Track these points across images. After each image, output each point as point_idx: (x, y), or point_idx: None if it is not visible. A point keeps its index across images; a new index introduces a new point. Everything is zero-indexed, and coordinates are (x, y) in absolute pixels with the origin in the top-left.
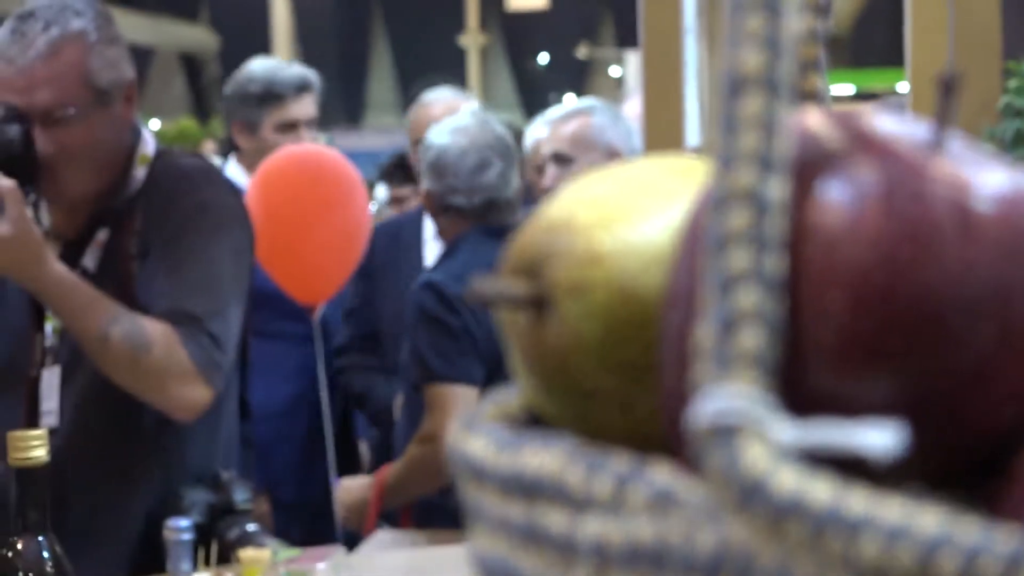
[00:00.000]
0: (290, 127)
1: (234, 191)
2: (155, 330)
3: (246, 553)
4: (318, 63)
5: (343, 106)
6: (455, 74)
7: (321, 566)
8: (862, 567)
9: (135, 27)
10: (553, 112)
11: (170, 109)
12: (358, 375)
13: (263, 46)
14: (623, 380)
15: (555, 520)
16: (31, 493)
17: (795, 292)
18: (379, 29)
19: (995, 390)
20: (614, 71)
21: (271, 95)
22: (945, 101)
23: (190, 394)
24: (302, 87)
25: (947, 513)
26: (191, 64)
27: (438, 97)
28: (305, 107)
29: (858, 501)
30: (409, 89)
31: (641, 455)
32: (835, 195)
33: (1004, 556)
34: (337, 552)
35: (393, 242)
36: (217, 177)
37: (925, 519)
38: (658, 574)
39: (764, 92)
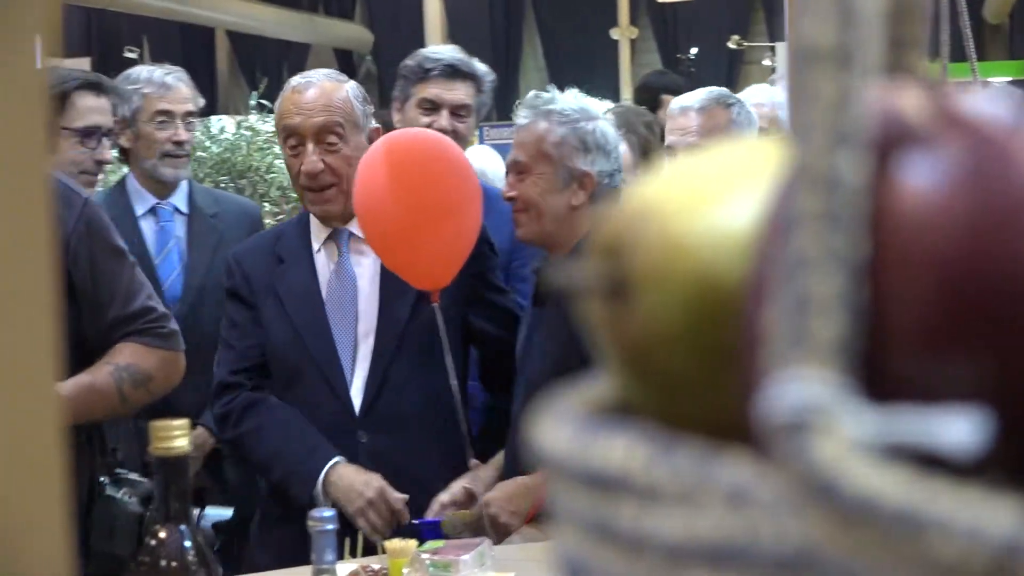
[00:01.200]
0: (432, 107)
1: (65, 197)
2: (134, 357)
3: (392, 543)
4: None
5: (495, 100)
6: (606, 66)
7: (465, 557)
8: (936, 568)
9: (291, 24)
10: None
11: None
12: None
13: (416, 41)
14: (705, 370)
15: (623, 513)
16: (173, 483)
17: (875, 274)
18: (531, 23)
19: None
20: (766, 62)
21: (420, 70)
22: None
23: (178, 369)
24: (453, 71)
25: None
26: (346, 60)
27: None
28: (453, 91)
29: (933, 499)
30: (561, 82)
31: (718, 446)
32: (921, 174)
33: None
34: (481, 544)
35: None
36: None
37: (1002, 518)
38: (724, 571)
39: (837, 65)
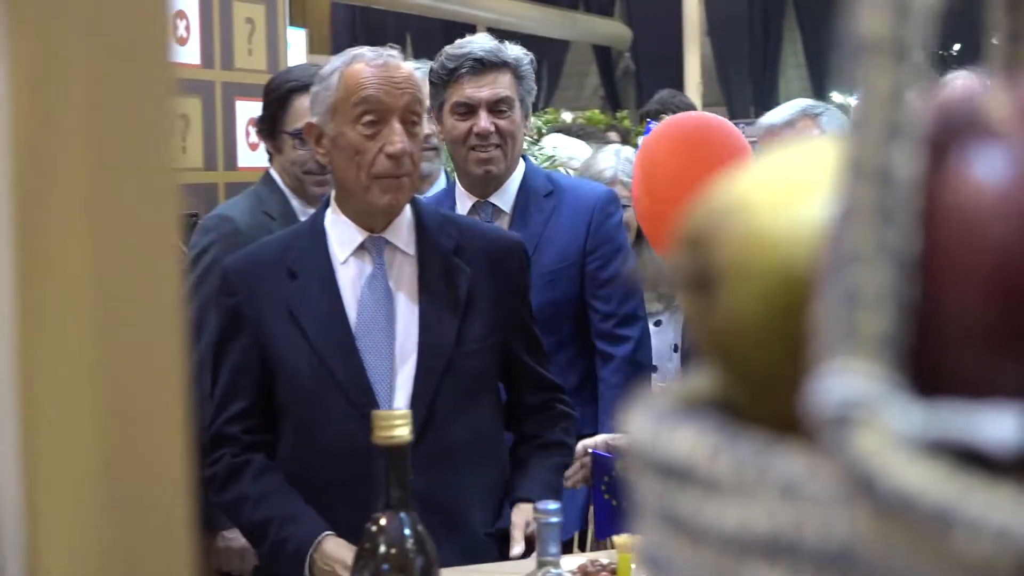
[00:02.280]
0: (467, 109)
1: None
2: None
3: (620, 538)
4: (729, 56)
5: (753, 98)
6: None
7: None
8: (965, 566)
9: (551, 21)
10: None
11: (585, 101)
12: None
13: (673, 38)
14: (785, 362)
15: (687, 502)
16: (395, 471)
17: (930, 269)
18: (791, 20)
19: None
20: None
21: (445, 72)
22: None
23: None
24: (482, 65)
25: None
26: (604, 56)
27: None
28: (485, 87)
29: (967, 497)
30: (821, 81)
31: (781, 438)
32: (981, 169)
33: None
34: None
35: None
36: None
37: None
38: (781, 562)
39: (892, 58)
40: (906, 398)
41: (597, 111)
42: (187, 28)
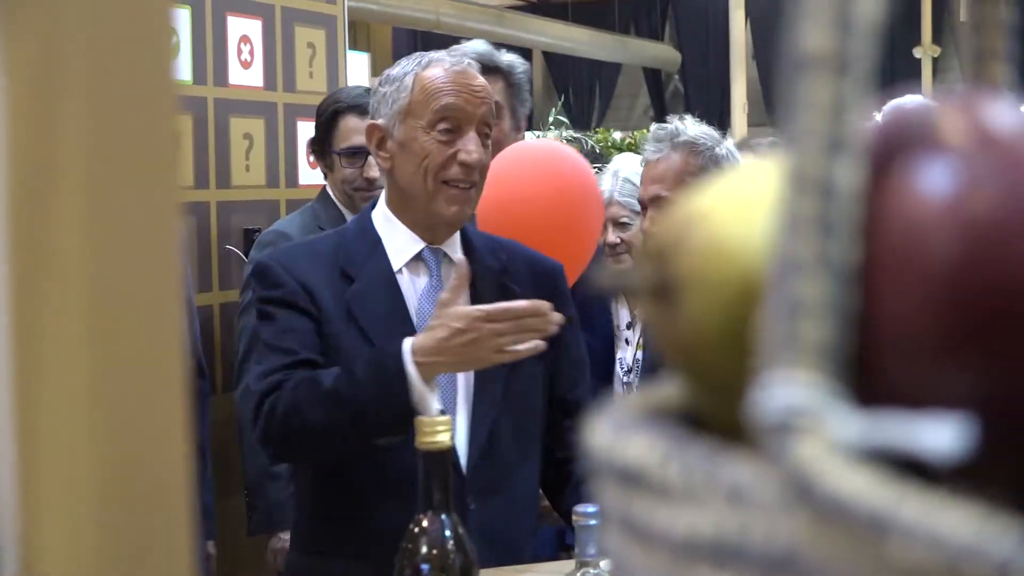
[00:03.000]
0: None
1: None
2: None
3: None
4: (775, 78)
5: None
6: (909, 85)
7: None
8: (898, 572)
9: (604, 45)
10: None
11: (635, 122)
12: None
13: (721, 60)
14: (745, 370)
15: (640, 507)
16: (436, 475)
17: (872, 280)
18: None
19: None
20: None
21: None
22: None
23: None
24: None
25: (988, 521)
26: (654, 78)
27: None
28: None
29: (901, 504)
30: None
31: (729, 445)
32: (925, 182)
33: None
34: None
35: None
36: None
37: (963, 526)
38: (727, 567)
39: (833, 73)
40: (846, 406)
41: (646, 131)
42: (251, 52)
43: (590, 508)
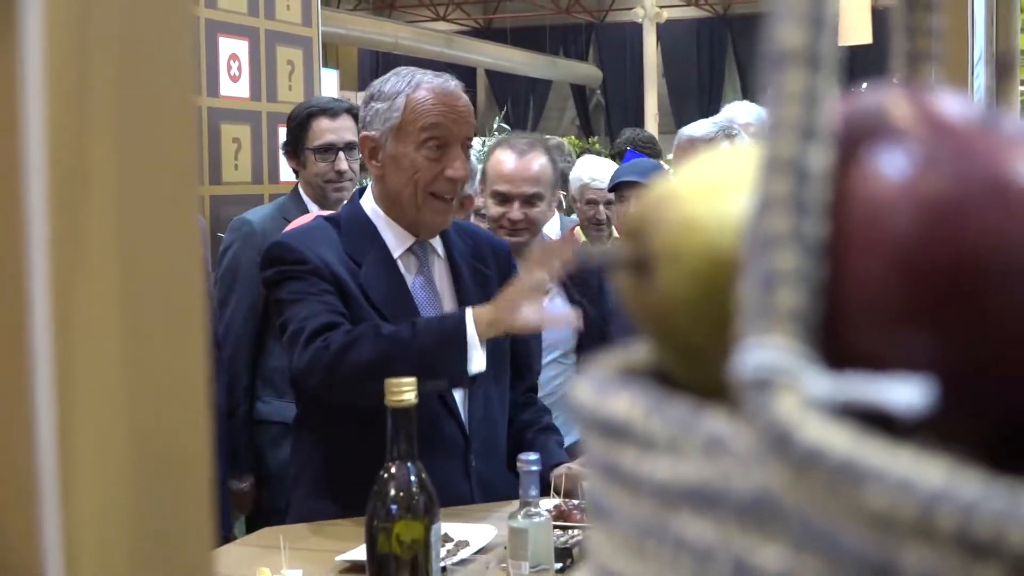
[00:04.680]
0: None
1: None
2: None
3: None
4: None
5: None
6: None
7: None
8: (871, 515)
9: (537, 64)
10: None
11: (564, 130)
12: None
13: (636, 78)
14: (711, 335)
15: (626, 457)
16: (402, 428)
17: (837, 255)
18: (731, 64)
19: None
20: None
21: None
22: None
23: None
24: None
25: (955, 469)
26: (579, 93)
27: None
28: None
29: (872, 453)
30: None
31: (707, 402)
32: (880, 165)
33: (999, 511)
34: None
35: None
36: None
37: (931, 473)
38: (707, 512)
39: (806, 66)
40: (817, 367)
41: (573, 137)
42: (239, 68)
43: (532, 456)
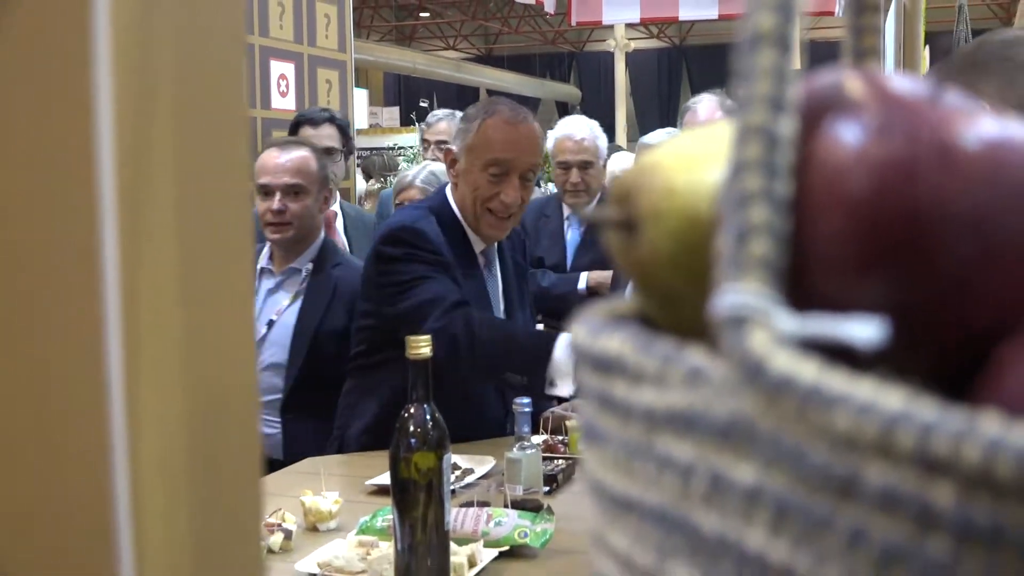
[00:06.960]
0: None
1: None
2: None
3: (572, 423)
4: (645, 108)
5: None
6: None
7: None
8: (835, 437)
9: (528, 85)
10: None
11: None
12: None
13: (609, 96)
14: (691, 286)
15: (617, 388)
16: (420, 377)
17: (802, 211)
18: (685, 85)
19: (974, 298)
20: None
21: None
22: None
23: None
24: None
25: (912, 395)
26: (563, 109)
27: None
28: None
29: (837, 381)
30: None
31: (689, 341)
32: (839, 132)
33: (955, 431)
34: None
35: None
36: None
37: (891, 398)
38: (688, 434)
39: (776, 47)
40: (785, 309)
41: None
42: (287, 86)
43: (524, 400)
